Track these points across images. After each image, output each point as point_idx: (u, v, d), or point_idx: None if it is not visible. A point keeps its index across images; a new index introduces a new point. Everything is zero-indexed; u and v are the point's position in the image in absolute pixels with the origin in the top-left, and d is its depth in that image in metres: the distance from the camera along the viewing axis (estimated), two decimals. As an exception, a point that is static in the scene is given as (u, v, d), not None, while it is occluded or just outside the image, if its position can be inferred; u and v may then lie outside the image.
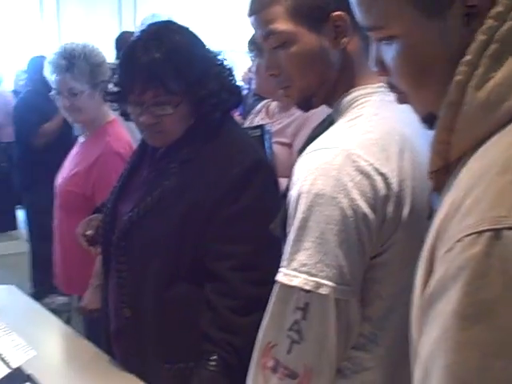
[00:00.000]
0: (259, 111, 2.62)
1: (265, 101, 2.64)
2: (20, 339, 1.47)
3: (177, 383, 1.63)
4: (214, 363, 1.55)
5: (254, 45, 2.42)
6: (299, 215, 1.08)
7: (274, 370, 1.11)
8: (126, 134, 2.61)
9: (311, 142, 1.17)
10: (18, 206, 7.63)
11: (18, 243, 6.82)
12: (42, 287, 4.47)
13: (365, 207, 1.06)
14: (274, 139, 2.29)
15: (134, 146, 2.11)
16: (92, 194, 2.49)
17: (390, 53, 0.87)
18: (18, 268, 5.58)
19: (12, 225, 7.26)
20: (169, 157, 1.68)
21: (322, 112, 2.09)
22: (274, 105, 2.55)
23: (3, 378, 1.35)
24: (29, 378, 1.44)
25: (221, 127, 1.68)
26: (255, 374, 1.15)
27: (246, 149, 1.68)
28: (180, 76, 1.59)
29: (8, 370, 1.38)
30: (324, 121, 1.28)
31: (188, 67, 1.61)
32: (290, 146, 2.36)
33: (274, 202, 1.58)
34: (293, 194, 1.11)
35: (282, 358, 1.10)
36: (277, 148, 2.30)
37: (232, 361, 1.55)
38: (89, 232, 1.87)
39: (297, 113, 2.35)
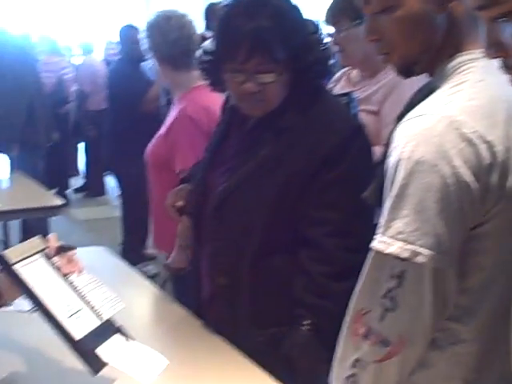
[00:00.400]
0: (339, 79, 2.55)
1: (344, 69, 2.58)
2: (110, 292, 1.52)
3: (268, 348, 1.65)
4: (306, 328, 1.57)
5: (336, 14, 2.35)
6: (398, 182, 1.06)
7: (366, 336, 1.10)
8: (205, 101, 2.60)
9: (410, 109, 1.14)
10: (106, 172, 7.91)
11: (107, 208, 7.08)
12: (133, 254, 4.66)
13: (467, 176, 1.02)
14: (360, 107, 2.24)
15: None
16: (171, 157, 2.56)
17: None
18: (107, 232, 5.80)
19: (101, 190, 7.51)
20: (263, 126, 1.68)
21: (411, 78, 2.04)
22: (355, 73, 2.49)
23: (95, 330, 1.40)
24: (118, 329, 1.47)
25: (317, 96, 1.67)
26: (346, 339, 1.15)
27: (344, 117, 1.68)
28: (286, 43, 1.58)
29: (99, 322, 1.42)
30: (424, 87, 1.24)
31: (293, 34, 1.60)
32: (376, 113, 2.30)
33: (369, 170, 1.57)
34: (392, 160, 1.09)
35: (374, 325, 1.09)
36: (363, 116, 2.25)
37: (325, 326, 1.55)
38: (179, 202, 1.90)
39: (383, 79, 2.30)
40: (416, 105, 1.14)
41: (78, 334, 1.34)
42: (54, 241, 1.50)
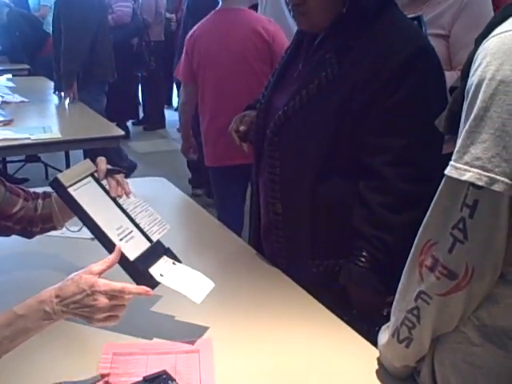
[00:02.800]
0: None
1: None
2: (157, 214, 1.52)
3: (324, 280, 1.62)
4: (364, 259, 1.53)
5: None
6: (478, 104, 0.97)
7: (432, 268, 1.06)
8: None
9: (494, 26, 1.04)
10: (166, 105, 7.94)
11: (166, 142, 7.13)
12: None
13: None
14: (428, 31, 2.12)
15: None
16: None
17: None
18: (166, 165, 5.85)
19: (161, 123, 7.55)
20: (325, 47, 1.61)
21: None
22: None
23: (146, 251, 1.41)
24: (167, 251, 1.48)
25: (380, 14, 1.57)
26: (411, 271, 1.11)
27: (408, 36, 1.57)
28: None
29: (149, 244, 1.43)
30: (509, 5, 1.14)
31: None
32: (446, 36, 2.17)
33: (438, 95, 1.48)
34: (472, 81, 1.00)
35: (442, 257, 1.04)
36: (431, 40, 2.13)
37: (383, 258, 1.52)
38: (242, 128, 1.86)
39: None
40: (500, 23, 1.04)
41: (131, 254, 1.35)
42: (102, 164, 1.49)
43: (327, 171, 1.58)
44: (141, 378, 1.19)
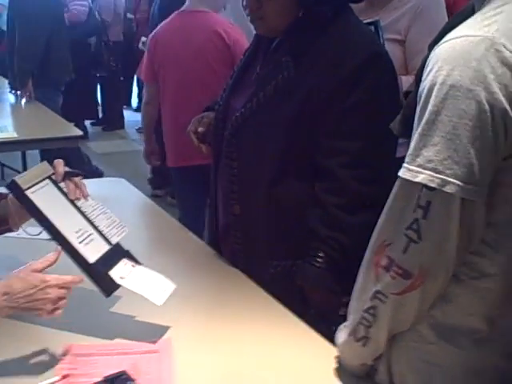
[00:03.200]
0: None
1: None
2: (115, 217, 1.51)
3: (282, 280, 1.64)
4: (320, 260, 1.55)
5: None
6: (430, 108, 1.00)
7: (387, 268, 1.08)
8: None
9: (446, 32, 1.08)
10: (125, 106, 7.88)
11: (126, 142, 7.07)
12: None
13: (505, 103, 0.97)
14: (385, 36, 2.16)
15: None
16: None
17: None
18: (125, 166, 5.80)
19: (120, 124, 7.48)
20: (281, 50, 1.63)
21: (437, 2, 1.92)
22: None
23: (105, 253, 1.41)
24: (126, 253, 1.48)
25: (335, 19, 1.59)
26: (366, 271, 1.13)
27: (363, 40, 1.60)
28: None
29: (108, 246, 1.43)
30: (462, 10, 1.18)
31: None
32: (402, 42, 2.21)
33: (392, 99, 1.52)
34: (424, 86, 1.04)
35: (397, 257, 1.06)
36: (388, 45, 2.17)
37: (338, 258, 1.54)
38: (200, 129, 1.87)
39: (407, 4, 2.17)
40: (454, 28, 1.07)
41: (91, 257, 1.36)
42: (60, 166, 1.48)
43: (283, 172, 1.60)
44: (100, 379, 1.19)
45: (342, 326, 1.26)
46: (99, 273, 1.35)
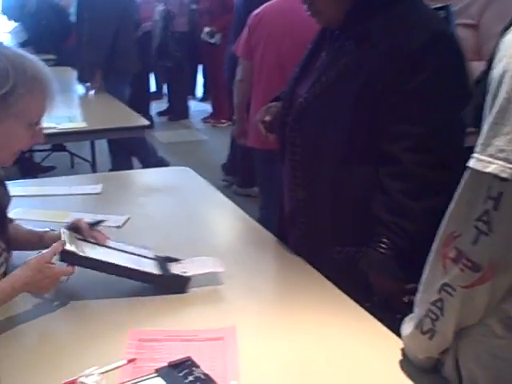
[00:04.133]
0: None
1: None
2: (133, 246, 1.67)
3: (346, 266, 1.63)
4: (384, 246, 1.53)
5: None
6: (502, 95, 0.97)
7: (456, 260, 1.05)
8: None
9: None
10: (190, 96, 7.97)
11: (191, 132, 7.16)
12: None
13: None
14: (456, 20, 2.10)
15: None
16: None
17: None
18: (190, 155, 5.88)
19: (185, 114, 7.57)
20: (345, 35, 1.62)
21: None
22: None
23: (158, 265, 1.58)
24: (168, 259, 1.64)
25: (396, 1, 1.57)
26: (434, 263, 1.11)
27: (425, 21, 1.56)
28: None
29: (154, 260, 1.61)
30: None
31: None
32: (475, 26, 2.15)
33: (458, 82, 1.49)
34: (496, 73, 1.00)
35: (466, 249, 1.04)
36: (460, 30, 2.11)
37: (402, 245, 1.51)
38: (267, 118, 1.88)
39: None
40: None
41: (156, 272, 1.54)
42: (82, 223, 1.60)
43: (347, 158, 1.59)
44: (165, 364, 1.21)
45: (407, 318, 1.24)
46: (169, 278, 1.54)
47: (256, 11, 3.24)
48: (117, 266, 1.51)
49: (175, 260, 1.63)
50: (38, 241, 1.62)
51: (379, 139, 1.55)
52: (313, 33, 2.95)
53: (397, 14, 1.56)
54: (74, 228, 1.58)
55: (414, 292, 1.45)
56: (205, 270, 1.58)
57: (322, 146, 1.63)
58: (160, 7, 6.83)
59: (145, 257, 1.61)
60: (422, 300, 1.15)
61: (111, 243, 1.63)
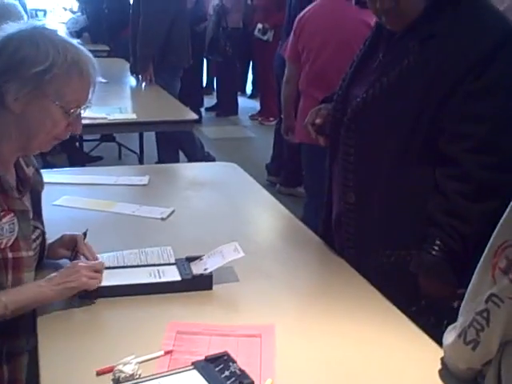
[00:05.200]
0: None
1: None
2: (154, 248, 1.70)
3: (394, 269, 1.61)
4: (437, 248, 1.50)
5: None
6: None
7: (506, 271, 1.03)
8: None
9: None
10: (240, 92, 7.98)
11: (238, 128, 7.17)
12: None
13: None
14: None
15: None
16: None
17: None
18: (236, 151, 5.89)
19: (234, 110, 7.59)
20: (409, 35, 1.59)
21: None
22: None
23: (178, 269, 1.58)
24: (188, 258, 1.63)
25: (462, 1, 1.54)
26: (483, 272, 1.08)
27: (494, 22, 1.54)
28: None
29: (175, 266, 1.60)
30: None
31: None
32: None
33: None
34: None
35: (518, 261, 1.01)
36: None
37: (456, 247, 1.48)
38: (318, 120, 1.86)
39: None
40: None
41: (176, 277, 1.54)
42: (80, 237, 1.60)
43: (405, 159, 1.57)
44: (203, 358, 1.21)
45: (450, 327, 1.21)
46: (190, 281, 1.53)
47: (301, 14, 3.28)
48: (132, 285, 1.51)
49: (196, 258, 1.62)
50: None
51: (438, 139, 1.52)
52: (358, 34, 2.97)
53: (464, 14, 1.53)
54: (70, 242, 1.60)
55: (463, 297, 1.42)
56: (225, 261, 1.56)
57: (379, 147, 1.61)
58: (215, 2, 6.86)
59: (164, 264, 1.62)
60: (468, 309, 1.13)
61: (128, 257, 1.65)
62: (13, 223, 1.38)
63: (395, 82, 1.57)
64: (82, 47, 1.41)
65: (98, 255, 1.60)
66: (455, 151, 1.49)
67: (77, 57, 1.37)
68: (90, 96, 1.43)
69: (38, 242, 1.51)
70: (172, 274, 1.56)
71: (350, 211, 1.69)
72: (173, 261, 1.63)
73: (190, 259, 1.62)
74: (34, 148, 1.45)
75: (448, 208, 1.50)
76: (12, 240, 1.37)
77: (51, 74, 1.33)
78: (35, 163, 1.59)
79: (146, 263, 1.63)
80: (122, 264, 1.62)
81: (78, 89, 1.39)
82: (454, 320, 1.18)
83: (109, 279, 1.50)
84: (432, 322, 1.42)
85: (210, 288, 1.53)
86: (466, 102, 1.48)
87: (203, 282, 1.53)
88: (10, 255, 1.37)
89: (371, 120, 1.62)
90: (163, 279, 1.54)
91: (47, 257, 1.61)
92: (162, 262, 1.63)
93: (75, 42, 1.42)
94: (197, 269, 1.57)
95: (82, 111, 1.43)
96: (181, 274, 1.55)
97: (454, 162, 1.50)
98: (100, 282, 1.45)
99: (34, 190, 1.54)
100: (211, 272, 1.54)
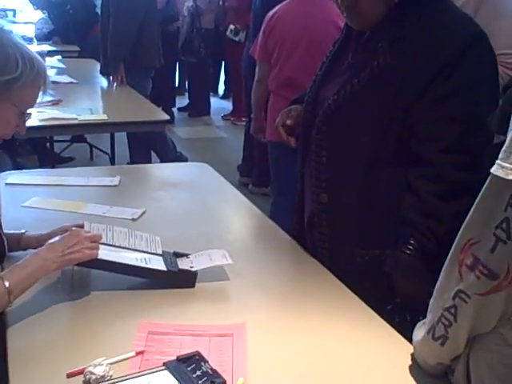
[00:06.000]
0: None
1: None
2: (143, 234, 1.71)
3: (369, 269, 1.62)
4: (411, 247, 1.51)
5: None
6: None
7: (472, 268, 1.04)
8: None
9: None
10: (212, 93, 7.97)
11: (211, 128, 7.16)
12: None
13: None
14: None
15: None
16: None
17: None
18: (209, 152, 5.88)
19: (206, 110, 7.58)
20: (376, 37, 1.60)
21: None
22: None
23: (165, 261, 1.58)
24: (175, 252, 1.64)
25: (431, 2, 1.56)
26: (450, 269, 1.09)
27: (463, 23, 1.55)
28: None
29: (161, 257, 1.60)
30: None
31: None
32: None
33: (491, 84, 1.48)
34: None
35: (483, 257, 1.02)
36: None
37: (431, 247, 1.50)
38: (288, 122, 1.86)
39: None
40: None
41: (162, 267, 1.54)
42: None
43: (377, 160, 1.58)
44: (174, 358, 1.21)
45: (420, 324, 1.23)
46: (175, 274, 1.54)
47: (270, 13, 3.29)
48: (122, 264, 1.51)
49: (183, 255, 1.63)
50: (15, 244, 1.61)
51: (410, 140, 1.54)
52: (327, 34, 3.00)
53: (433, 16, 1.55)
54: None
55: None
56: (212, 264, 1.58)
57: (351, 148, 1.61)
58: (189, 3, 6.84)
59: (152, 253, 1.61)
60: (436, 306, 1.14)
61: (118, 237, 1.64)
62: None
63: (366, 83, 1.58)
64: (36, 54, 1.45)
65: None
66: (427, 152, 1.51)
67: (41, 65, 1.41)
68: (40, 97, 1.48)
69: None
70: (158, 264, 1.56)
71: (323, 212, 1.70)
72: (160, 252, 1.63)
73: (177, 255, 1.63)
74: None
75: (421, 208, 1.51)
76: None
77: (19, 83, 1.36)
78: None
79: (133, 247, 1.62)
80: (110, 242, 1.61)
81: (37, 95, 1.45)
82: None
83: (103, 254, 1.50)
84: (408, 319, 1.43)
85: (193, 286, 1.54)
86: (437, 104, 1.49)
87: (187, 278, 1.54)
88: None
89: (343, 122, 1.63)
90: (151, 266, 1.54)
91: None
92: (150, 250, 1.63)
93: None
94: (182, 265, 1.58)
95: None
96: (168, 265, 1.56)
97: (426, 163, 1.51)
98: (97, 255, 1.48)
99: None
100: (197, 270, 1.55)
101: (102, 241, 1.56)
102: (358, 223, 1.63)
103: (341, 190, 1.65)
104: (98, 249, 1.49)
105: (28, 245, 1.62)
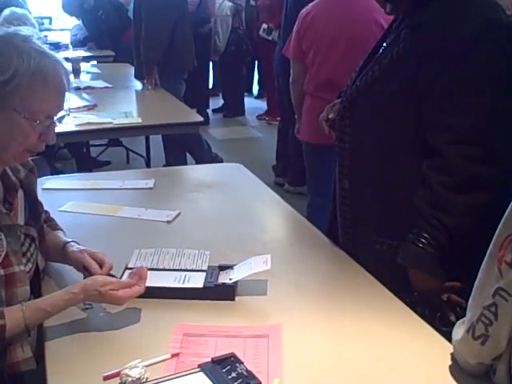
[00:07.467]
0: None
1: None
2: (193, 251, 1.69)
3: (387, 259, 1.59)
4: (423, 240, 1.48)
5: None
6: None
7: (512, 264, 1.01)
8: None
9: None
10: (246, 93, 7.98)
11: (245, 129, 7.17)
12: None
13: None
14: None
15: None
16: None
17: None
18: (244, 152, 5.89)
19: (240, 111, 7.59)
20: (402, 25, 1.60)
21: None
22: None
23: (206, 277, 1.56)
24: (220, 266, 1.61)
25: None
26: (489, 266, 1.07)
27: (477, 8, 1.50)
28: None
29: (205, 273, 1.58)
30: None
31: None
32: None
33: (507, 75, 1.43)
34: None
35: (523, 253, 0.99)
36: None
37: (442, 240, 1.46)
38: (331, 116, 1.85)
39: None
40: None
41: (198, 284, 1.52)
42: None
43: (394, 150, 1.56)
44: (209, 359, 1.21)
45: (459, 322, 1.20)
46: (211, 289, 1.50)
47: (304, 12, 3.18)
48: (157, 288, 1.49)
49: (228, 267, 1.59)
50: (59, 253, 1.58)
51: (426, 131, 1.51)
52: (369, 32, 2.91)
53: (449, 3, 1.52)
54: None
55: (452, 290, 1.41)
56: (251, 271, 1.52)
57: (370, 135, 1.60)
58: (228, 3, 6.85)
59: (195, 270, 1.59)
60: (475, 304, 1.12)
61: (165, 262, 1.64)
62: (0, 239, 1.36)
63: (385, 69, 1.57)
64: (53, 54, 1.35)
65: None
66: (439, 143, 1.47)
67: (39, 65, 1.30)
68: (61, 105, 1.36)
69: (30, 251, 1.47)
70: (196, 281, 1.54)
71: (346, 198, 1.70)
72: (205, 267, 1.61)
73: (222, 268, 1.60)
74: (9, 160, 1.40)
75: (433, 200, 1.48)
76: (2, 256, 1.35)
77: (13, 84, 1.27)
78: (30, 164, 1.55)
79: (178, 267, 1.62)
80: (155, 266, 1.61)
81: (44, 99, 1.32)
82: (446, 312, 1.16)
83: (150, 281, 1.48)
84: (427, 314, 1.40)
85: (233, 299, 1.50)
86: (449, 93, 1.46)
87: (224, 292, 1.50)
88: (1, 272, 1.35)
89: (363, 108, 1.63)
90: (185, 285, 1.52)
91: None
92: (195, 267, 1.61)
93: (46, 48, 1.35)
94: (223, 278, 1.55)
95: (57, 122, 1.38)
96: (205, 282, 1.53)
97: (438, 153, 1.48)
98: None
99: (28, 190, 1.52)
100: (235, 282, 1.51)
101: (146, 266, 1.55)
102: (377, 211, 1.63)
103: (361, 176, 1.65)
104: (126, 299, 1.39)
105: (67, 258, 1.56)
